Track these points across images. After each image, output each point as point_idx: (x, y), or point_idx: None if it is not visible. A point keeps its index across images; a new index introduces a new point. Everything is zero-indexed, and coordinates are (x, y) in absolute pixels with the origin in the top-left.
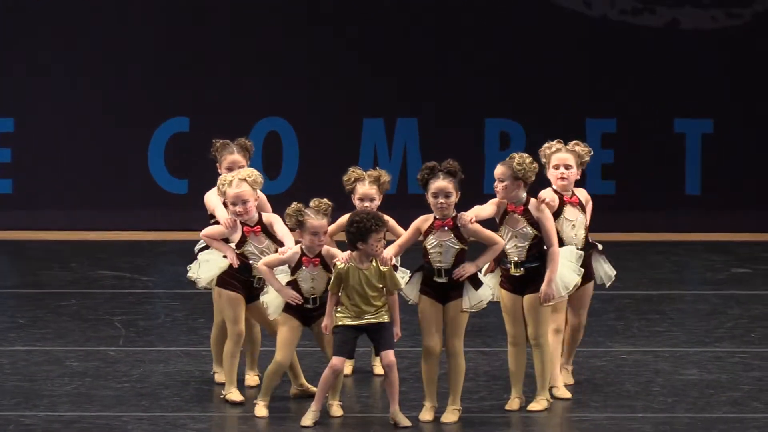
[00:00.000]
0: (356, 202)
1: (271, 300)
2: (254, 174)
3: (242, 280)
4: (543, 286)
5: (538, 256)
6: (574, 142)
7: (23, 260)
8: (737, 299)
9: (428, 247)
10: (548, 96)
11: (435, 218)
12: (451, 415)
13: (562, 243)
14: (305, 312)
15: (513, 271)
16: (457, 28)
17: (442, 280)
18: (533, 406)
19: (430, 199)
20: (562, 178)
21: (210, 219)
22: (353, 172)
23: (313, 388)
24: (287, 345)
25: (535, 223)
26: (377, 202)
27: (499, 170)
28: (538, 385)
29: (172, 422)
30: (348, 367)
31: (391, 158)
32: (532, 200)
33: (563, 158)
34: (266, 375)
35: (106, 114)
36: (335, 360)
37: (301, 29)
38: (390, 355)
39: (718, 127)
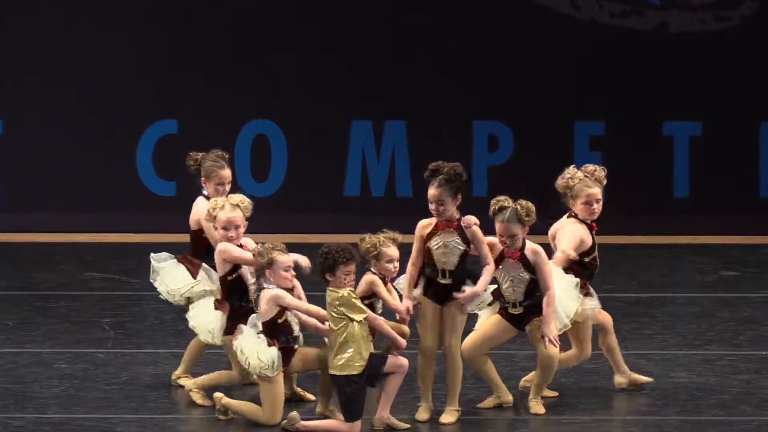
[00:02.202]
0: (386, 266)
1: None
2: (246, 201)
3: (244, 312)
4: (544, 329)
5: (535, 292)
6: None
7: (12, 262)
8: (726, 302)
9: (433, 247)
10: (536, 98)
11: (438, 220)
12: (449, 416)
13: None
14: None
15: (512, 310)
16: (445, 31)
17: (446, 281)
18: (537, 409)
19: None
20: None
21: (193, 240)
22: (370, 238)
23: (303, 392)
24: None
25: (531, 268)
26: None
27: (505, 227)
28: (534, 389)
29: (160, 424)
30: None
31: (379, 160)
32: (528, 245)
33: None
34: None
35: (95, 116)
36: (357, 427)
37: (290, 31)
38: (403, 359)
39: (707, 130)
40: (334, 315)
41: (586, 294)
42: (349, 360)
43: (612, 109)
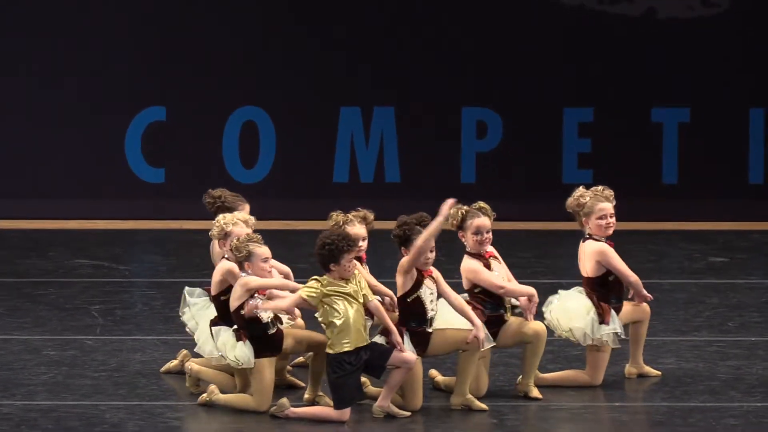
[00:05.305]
0: None
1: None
2: (252, 219)
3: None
4: (528, 301)
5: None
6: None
7: (0, 249)
8: (715, 288)
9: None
10: (525, 85)
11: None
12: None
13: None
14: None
15: (507, 316)
16: (433, 17)
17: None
18: (535, 394)
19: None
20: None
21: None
22: (337, 216)
23: (293, 380)
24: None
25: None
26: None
27: (483, 222)
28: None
29: (149, 411)
30: None
31: (368, 147)
32: None
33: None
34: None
35: (83, 103)
36: (346, 414)
37: (279, 18)
38: (411, 355)
39: (695, 116)
40: (322, 303)
41: (603, 321)
42: (337, 338)
43: (601, 96)
